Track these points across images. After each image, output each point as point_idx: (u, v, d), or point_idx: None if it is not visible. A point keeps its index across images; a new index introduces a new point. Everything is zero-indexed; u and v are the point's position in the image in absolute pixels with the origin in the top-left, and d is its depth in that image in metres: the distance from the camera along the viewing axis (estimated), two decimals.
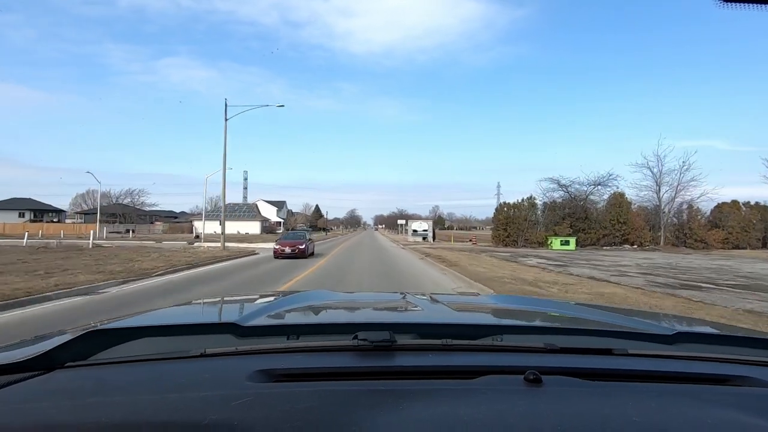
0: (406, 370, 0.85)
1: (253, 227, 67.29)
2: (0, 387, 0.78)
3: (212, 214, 76.94)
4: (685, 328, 1.17)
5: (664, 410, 0.77)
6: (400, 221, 68.81)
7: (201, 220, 75.17)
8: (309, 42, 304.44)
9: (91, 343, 0.93)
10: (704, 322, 2.06)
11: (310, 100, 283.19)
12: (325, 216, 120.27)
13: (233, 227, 69.94)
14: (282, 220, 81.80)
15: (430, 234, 46.10)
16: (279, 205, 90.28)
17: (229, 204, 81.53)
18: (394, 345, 0.90)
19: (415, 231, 46.88)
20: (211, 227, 73.29)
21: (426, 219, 51.81)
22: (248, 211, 70.77)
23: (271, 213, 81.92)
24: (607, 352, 0.96)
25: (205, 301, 1.99)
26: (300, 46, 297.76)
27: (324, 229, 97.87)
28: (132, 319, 1.25)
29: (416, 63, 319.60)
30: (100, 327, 1.02)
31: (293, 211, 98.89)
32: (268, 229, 70.30)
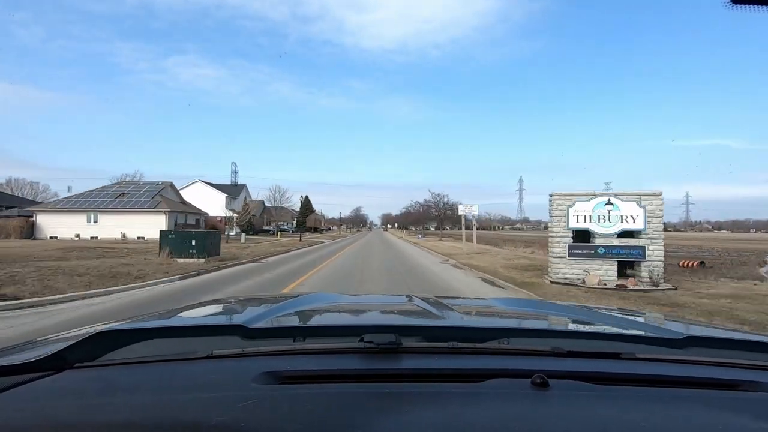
0: (412, 373, 0.88)
1: (154, 225, 23.98)
2: (11, 387, 0.83)
3: (70, 203, 34.51)
4: (694, 332, 1.23)
5: (672, 415, 0.77)
6: (464, 209, 26.88)
7: (49, 210, 32.28)
8: (319, 38, 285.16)
9: (100, 344, 1.00)
10: (714, 326, 2.16)
11: (319, 98, 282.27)
12: (319, 212, 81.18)
13: (116, 225, 37.92)
14: (234, 215, 39.12)
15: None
16: (231, 190, 49.27)
17: (117, 184, 40.30)
18: (400, 347, 0.95)
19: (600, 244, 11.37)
20: (74, 225, 28.40)
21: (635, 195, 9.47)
22: (148, 196, 29.09)
23: (213, 203, 39.87)
24: (615, 356, 1.00)
25: (212, 302, 2.01)
26: (310, 42, 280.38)
27: (314, 229, 77.95)
28: (140, 321, 1.33)
29: (429, 59, 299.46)
30: (109, 328, 1.11)
31: (266, 203, 57.37)
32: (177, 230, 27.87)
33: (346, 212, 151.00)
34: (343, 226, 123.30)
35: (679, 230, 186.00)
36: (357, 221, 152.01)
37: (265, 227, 59.35)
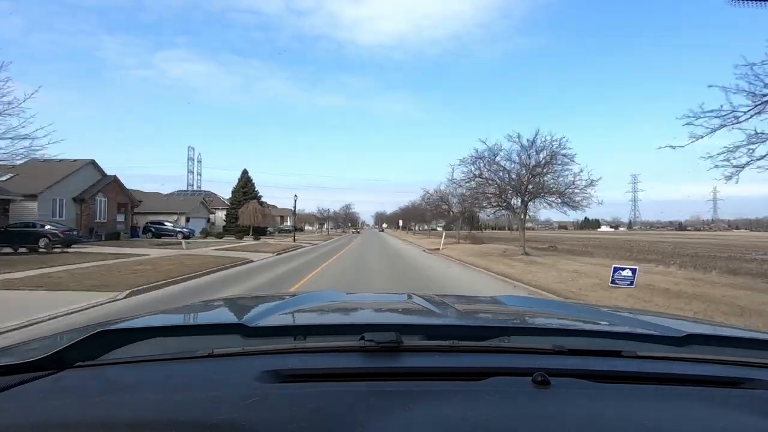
0: (413, 371, 0.87)
1: None
2: (12, 386, 0.81)
3: None
4: (695, 329, 1.20)
5: (673, 413, 0.76)
6: None
7: None
8: (314, 32, 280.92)
9: (101, 343, 0.98)
10: (715, 323, 2.04)
11: (314, 95, 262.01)
12: (304, 210, 43.69)
13: None
14: None
15: None
16: None
17: None
18: (400, 346, 0.93)
19: None
20: None
21: None
22: None
23: None
24: (616, 354, 0.98)
25: (213, 301, 1.97)
26: (304, 36, 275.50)
27: (257, 230, 41.14)
28: (141, 320, 1.31)
29: (427, 55, 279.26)
30: (109, 327, 1.09)
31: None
32: None
33: (335, 208, 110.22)
34: (325, 225, 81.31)
35: (699, 229, 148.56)
36: (346, 219, 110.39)
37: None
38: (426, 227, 68.80)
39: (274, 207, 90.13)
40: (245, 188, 47.34)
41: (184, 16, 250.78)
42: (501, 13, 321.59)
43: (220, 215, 48.46)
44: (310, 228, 78.39)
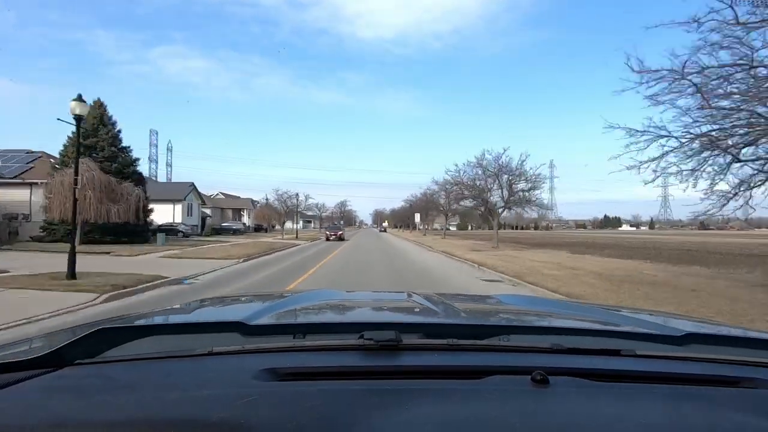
0: (412, 370, 0.87)
1: None
2: (11, 384, 0.81)
3: None
4: (694, 329, 1.20)
5: (672, 412, 0.75)
6: None
7: None
8: (314, 26, 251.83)
9: (100, 341, 0.98)
10: (714, 322, 2.05)
11: (313, 91, 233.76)
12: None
13: None
14: None
15: None
16: None
17: None
18: (399, 345, 0.93)
19: None
20: None
21: None
22: None
23: None
24: (615, 353, 0.98)
25: (212, 300, 1.97)
26: (304, 30, 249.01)
27: (102, 234, 18.23)
28: (140, 318, 1.32)
29: (430, 51, 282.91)
30: (109, 325, 1.09)
31: None
32: None
33: (330, 205, 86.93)
34: (300, 225, 56.54)
35: (722, 229, 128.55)
36: (341, 218, 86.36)
37: None
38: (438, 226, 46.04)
39: (236, 197, 62.86)
40: (93, 137, 20.92)
41: (181, 9, 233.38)
42: (505, 6, 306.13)
43: (39, 198, 20.85)
44: (288, 227, 54.15)
